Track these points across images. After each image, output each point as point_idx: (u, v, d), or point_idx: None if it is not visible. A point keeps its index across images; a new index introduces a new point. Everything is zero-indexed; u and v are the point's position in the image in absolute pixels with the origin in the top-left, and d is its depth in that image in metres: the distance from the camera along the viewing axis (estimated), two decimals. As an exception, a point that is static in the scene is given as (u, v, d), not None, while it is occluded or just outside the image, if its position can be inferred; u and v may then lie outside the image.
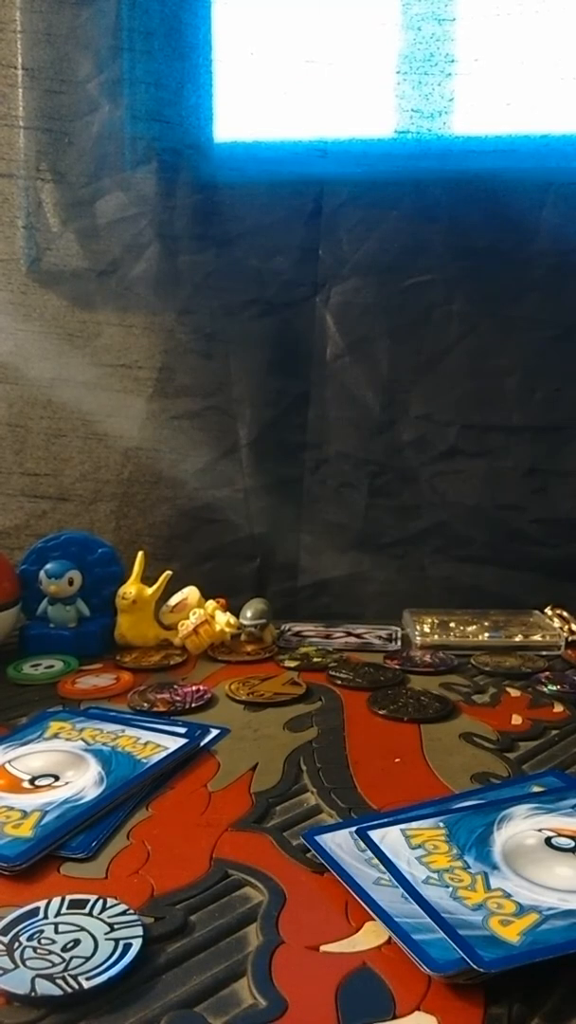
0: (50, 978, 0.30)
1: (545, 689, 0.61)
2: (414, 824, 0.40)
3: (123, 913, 0.34)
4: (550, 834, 0.39)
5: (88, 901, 0.35)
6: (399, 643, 0.71)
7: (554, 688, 0.61)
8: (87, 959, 0.31)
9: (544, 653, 0.69)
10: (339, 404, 0.84)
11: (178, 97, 0.81)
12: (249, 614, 0.70)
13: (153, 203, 0.81)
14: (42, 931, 0.33)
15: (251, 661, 0.67)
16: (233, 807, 0.44)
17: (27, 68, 0.80)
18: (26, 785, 0.45)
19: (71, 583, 0.69)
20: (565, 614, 0.75)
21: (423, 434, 0.83)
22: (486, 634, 0.71)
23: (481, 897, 0.34)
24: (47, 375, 0.84)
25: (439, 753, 0.50)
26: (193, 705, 0.57)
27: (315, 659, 0.67)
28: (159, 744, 0.50)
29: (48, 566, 0.69)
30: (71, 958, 0.31)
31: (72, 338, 0.84)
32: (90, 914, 0.34)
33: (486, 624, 0.73)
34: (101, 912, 0.34)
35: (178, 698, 0.59)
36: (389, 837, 0.39)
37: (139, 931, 0.33)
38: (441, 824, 0.40)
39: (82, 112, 0.80)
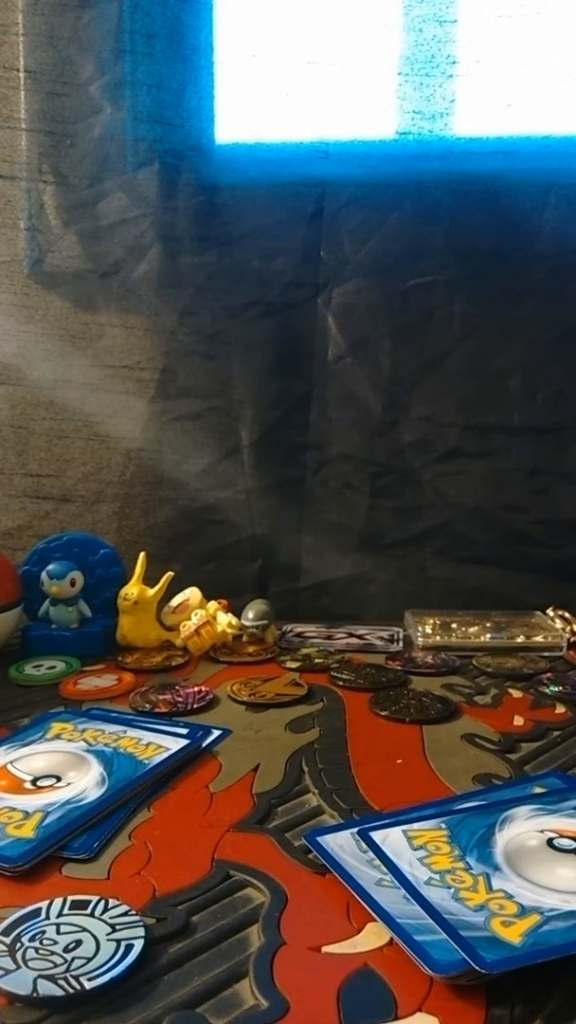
0: (52, 979, 0.30)
1: (547, 690, 0.61)
2: (416, 825, 0.40)
3: (125, 914, 0.34)
4: (552, 835, 0.39)
5: (90, 902, 0.35)
6: (401, 644, 0.71)
7: (556, 689, 0.61)
8: (89, 960, 0.31)
9: (546, 654, 0.69)
10: (341, 405, 0.84)
11: (180, 99, 0.81)
12: (251, 615, 0.71)
13: (155, 205, 0.81)
14: (44, 932, 0.33)
15: (253, 662, 0.67)
16: (235, 808, 0.44)
17: (29, 70, 0.80)
18: (28, 786, 0.45)
19: (73, 584, 0.69)
20: (567, 615, 0.75)
21: (425, 435, 0.83)
22: (488, 635, 0.71)
23: (483, 898, 0.34)
24: (49, 376, 0.84)
25: (441, 754, 0.50)
26: (195, 706, 0.57)
27: (317, 660, 0.67)
28: (161, 745, 0.50)
29: (50, 567, 0.69)
30: (73, 959, 0.31)
31: (74, 340, 0.84)
32: (92, 915, 0.34)
33: (488, 625, 0.73)
34: (103, 913, 0.34)
35: (180, 699, 0.59)
36: (391, 838, 0.39)
37: (141, 932, 0.33)
38: (443, 825, 0.40)
39: (84, 114, 0.81)
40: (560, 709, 0.58)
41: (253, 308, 0.83)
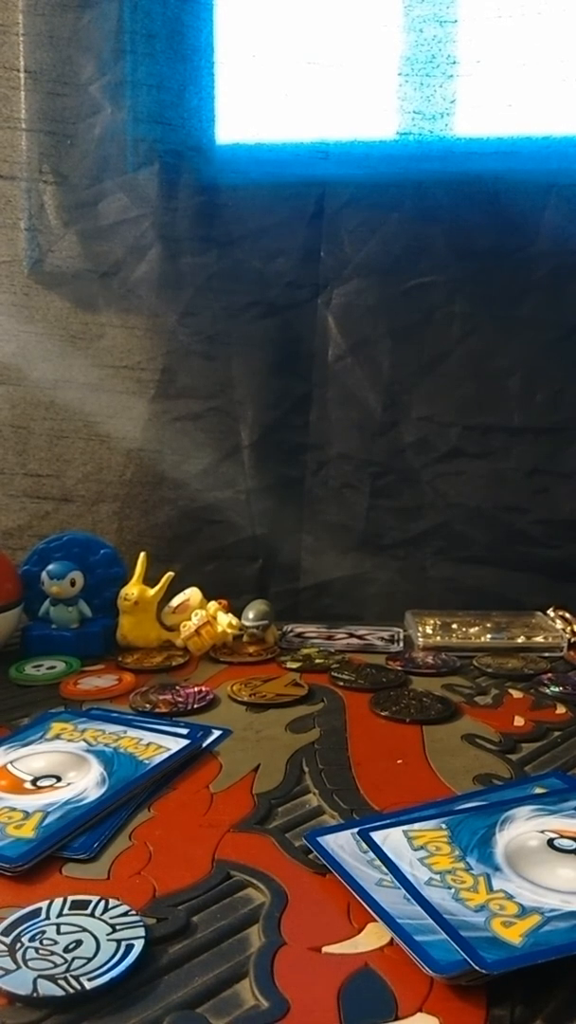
0: (52, 979, 0.30)
1: (547, 690, 0.61)
2: (416, 825, 0.40)
3: (125, 914, 0.34)
4: (552, 836, 0.39)
5: (90, 902, 0.35)
6: (401, 644, 0.71)
7: (556, 689, 0.61)
8: (89, 960, 0.31)
9: (546, 654, 0.69)
10: (341, 405, 0.84)
11: (180, 99, 0.81)
12: (251, 615, 0.70)
13: (155, 205, 0.81)
14: (44, 932, 0.33)
15: (253, 662, 0.67)
16: (235, 808, 0.44)
17: (29, 71, 0.80)
18: (28, 786, 0.45)
19: (73, 584, 0.69)
20: (567, 615, 0.75)
21: (425, 435, 0.83)
22: (488, 635, 0.71)
23: (483, 898, 0.34)
24: (50, 376, 0.84)
25: (441, 754, 0.50)
26: (195, 706, 0.57)
27: (317, 660, 0.67)
28: (161, 745, 0.50)
29: (50, 567, 0.69)
30: (73, 959, 0.31)
31: (74, 340, 0.84)
32: (92, 915, 0.34)
33: (488, 626, 0.73)
34: (103, 913, 0.34)
35: (180, 699, 0.59)
36: (391, 838, 0.39)
37: (141, 932, 0.33)
38: (443, 825, 0.40)
39: (84, 114, 0.81)
40: (560, 709, 0.58)
41: (253, 308, 0.83)
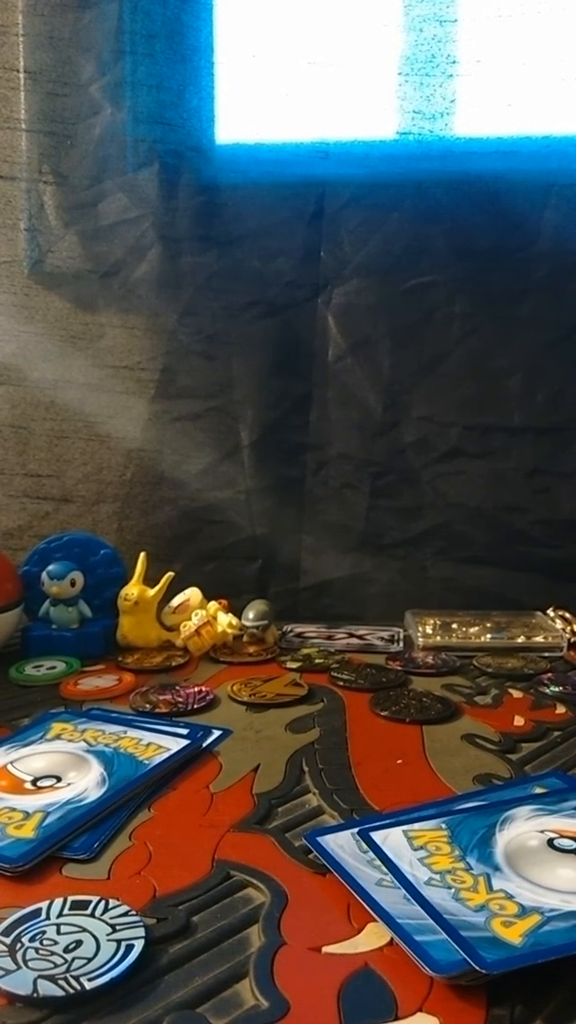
0: (52, 979, 0.30)
1: (547, 690, 0.61)
2: (416, 825, 0.40)
3: (125, 914, 0.34)
4: (552, 835, 0.39)
5: (90, 902, 0.35)
6: (401, 644, 0.71)
7: (556, 689, 0.61)
8: (89, 960, 0.31)
9: (546, 654, 0.69)
10: (341, 405, 0.84)
11: (180, 99, 0.81)
12: (251, 615, 0.71)
13: (155, 205, 0.81)
14: (44, 932, 0.33)
15: (253, 662, 0.67)
16: (235, 808, 0.44)
17: (29, 71, 0.80)
18: (28, 786, 0.45)
19: (73, 584, 0.69)
20: (567, 615, 0.75)
21: (425, 435, 0.83)
22: (488, 635, 0.71)
23: (483, 898, 0.34)
24: (50, 377, 0.84)
25: (441, 754, 0.50)
26: (195, 706, 0.57)
27: (317, 660, 0.67)
28: (161, 745, 0.50)
29: (50, 567, 0.69)
30: (73, 959, 0.31)
31: (74, 340, 0.84)
32: (92, 915, 0.34)
33: (488, 625, 0.73)
34: (103, 913, 0.34)
35: (180, 699, 0.59)
36: (391, 838, 0.39)
37: (141, 932, 0.33)
38: (443, 825, 0.40)
39: (84, 115, 0.81)
40: (560, 709, 0.58)
41: (253, 308, 0.83)
